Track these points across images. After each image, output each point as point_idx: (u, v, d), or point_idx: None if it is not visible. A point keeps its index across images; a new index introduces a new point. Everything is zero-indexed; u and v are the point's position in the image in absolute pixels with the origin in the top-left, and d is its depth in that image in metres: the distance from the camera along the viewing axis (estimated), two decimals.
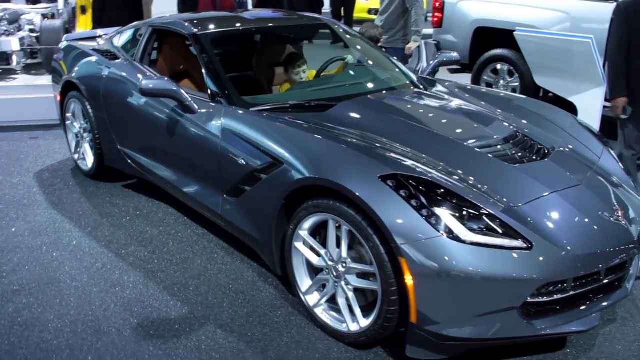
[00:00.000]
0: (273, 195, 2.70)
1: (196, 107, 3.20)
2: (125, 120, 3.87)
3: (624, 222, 2.52)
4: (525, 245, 2.23)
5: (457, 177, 2.46)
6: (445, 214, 2.22)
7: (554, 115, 3.39)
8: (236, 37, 4.31)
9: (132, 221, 3.78)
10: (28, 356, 2.49)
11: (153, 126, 3.58)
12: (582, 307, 2.40)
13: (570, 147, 3.00)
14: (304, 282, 2.70)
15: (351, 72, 3.89)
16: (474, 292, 2.19)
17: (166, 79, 3.25)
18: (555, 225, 2.36)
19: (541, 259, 2.23)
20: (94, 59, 4.25)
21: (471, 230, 2.21)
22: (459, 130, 2.95)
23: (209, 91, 3.26)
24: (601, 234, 2.43)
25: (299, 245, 2.65)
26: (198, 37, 3.49)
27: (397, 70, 3.94)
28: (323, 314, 2.63)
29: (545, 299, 2.28)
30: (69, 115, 4.51)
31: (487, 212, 2.28)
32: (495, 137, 2.89)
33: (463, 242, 2.17)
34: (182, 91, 3.19)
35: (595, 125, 3.84)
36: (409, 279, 2.20)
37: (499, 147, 2.80)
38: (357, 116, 3.00)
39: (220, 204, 3.14)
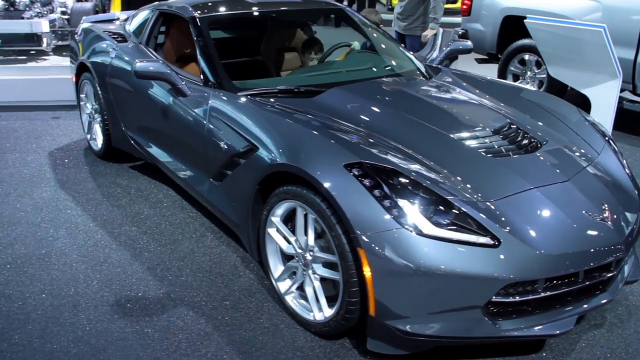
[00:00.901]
0: (249, 180, 2.69)
1: (188, 91, 3.22)
2: (128, 102, 3.93)
3: (609, 223, 2.38)
4: (492, 242, 2.14)
5: (430, 169, 2.39)
6: (408, 206, 2.16)
7: (558, 109, 3.25)
8: (242, 21, 4.30)
9: (132, 201, 3.85)
10: (5, 327, 2.58)
11: (150, 108, 3.63)
12: (556, 310, 2.29)
13: (567, 141, 2.86)
14: (277, 268, 2.69)
15: (352, 59, 3.83)
16: (435, 287, 2.12)
17: (160, 61, 3.27)
18: (529, 222, 2.26)
19: (508, 257, 2.13)
20: (105, 41, 4.33)
21: (436, 223, 2.14)
22: (446, 121, 2.86)
23: (201, 75, 3.27)
24: (581, 234, 2.31)
25: (271, 231, 2.63)
26: (195, 20, 3.50)
27: (402, 57, 3.86)
28: (293, 301, 2.61)
29: (513, 299, 2.19)
30: (82, 96, 4.63)
31: (454, 206, 2.20)
32: (485, 128, 2.79)
33: (425, 235, 2.10)
34: (174, 74, 3.21)
35: (610, 120, 3.65)
36: (367, 271, 2.15)
37: (486, 139, 2.70)
38: (343, 103, 2.95)
39: (207, 188, 3.16)
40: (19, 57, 7.02)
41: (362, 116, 2.79)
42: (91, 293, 2.83)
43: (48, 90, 5.90)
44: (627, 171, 2.89)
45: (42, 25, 6.53)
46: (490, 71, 6.65)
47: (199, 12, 3.58)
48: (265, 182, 2.62)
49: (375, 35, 4.13)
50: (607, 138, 3.07)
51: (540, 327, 2.24)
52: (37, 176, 4.24)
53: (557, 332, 2.26)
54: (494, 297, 2.15)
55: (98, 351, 2.43)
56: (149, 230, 3.47)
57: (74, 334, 2.53)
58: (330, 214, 2.25)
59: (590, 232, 2.33)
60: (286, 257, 2.66)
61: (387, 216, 2.13)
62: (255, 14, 3.89)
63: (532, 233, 2.22)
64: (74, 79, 4.75)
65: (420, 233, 2.10)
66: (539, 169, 2.56)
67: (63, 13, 7.24)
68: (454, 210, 2.18)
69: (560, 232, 2.28)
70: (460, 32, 7.00)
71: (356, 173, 2.24)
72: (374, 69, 3.64)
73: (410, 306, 2.17)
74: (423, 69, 3.75)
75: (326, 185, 2.24)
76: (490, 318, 2.19)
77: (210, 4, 3.80)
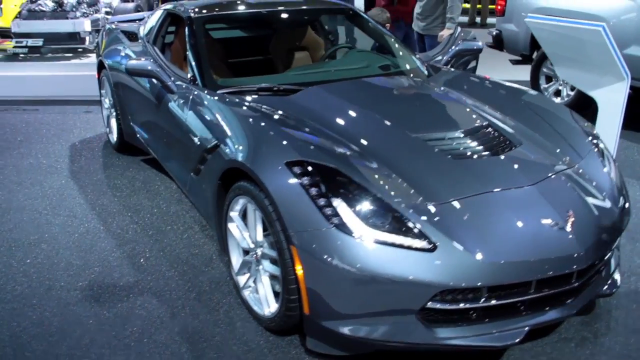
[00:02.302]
0: (212, 176, 2.74)
1: (175, 88, 3.32)
2: (132, 98, 4.09)
3: (571, 232, 2.24)
4: (427, 247, 2.07)
5: (377, 169, 2.34)
6: (342, 206, 2.13)
7: (548, 111, 3.09)
8: (247, 22, 4.36)
9: (133, 193, 4.01)
10: None
11: (147, 105, 3.76)
12: (504, 321, 2.19)
13: (548, 145, 2.73)
14: (237, 263, 2.72)
15: (349, 58, 3.82)
16: (366, 289, 2.08)
17: (151, 60, 3.39)
18: (474, 227, 2.16)
19: (444, 262, 2.05)
20: (119, 40, 4.53)
21: (370, 225, 2.09)
22: (417, 121, 2.79)
23: (189, 72, 3.36)
24: (533, 241, 2.18)
25: (231, 226, 2.67)
26: (190, 20, 3.59)
27: (401, 56, 3.80)
28: (249, 295, 2.64)
29: (451, 306, 2.11)
30: (102, 92, 4.85)
31: (391, 208, 2.14)
32: (456, 130, 2.71)
33: (357, 237, 2.06)
34: (162, 72, 3.32)
35: (617, 123, 3.44)
36: (299, 269, 2.15)
37: (454, 141, 2.62)
38: (314, 102, 2.94)
39: (188, 182, 3.24)
40: (66, 55, 7.44)
41: (329, 115, 2.78)
42: (67, 277, 2.98)
43: (83, 85, 6.22)
44: (613, 179, 2.72)
45: (85, 25, 6.89)
46: (524, 73, 6.42)
47: (196, 12, 3.68)
48: (227, 178, 2.67)
49: (378, 34, 4.09)
50: (596, 143, 2.90)
51: (483, 337, 2.14)
52: (53, 166, 4.49)
53: (500, 344, 2.15)
54: (429, 303, 2.08)
55: (57, 331, 2.55)
56: (141, 221, 3.59)
57: (41, 315, 2.67)
58: (272, 211, 2.26)
59: (545, 241, 2.20)
60: (245, 252, 2.69)
61: (320, 215, 2.11)
62: (259, 14, 3.94)
63: (475, 238, 2.12)
64: (97, 76, 4.99)
65: (350, 233, 2.07)
66: (502, 173, 2.45)
67: (107, 13, 7.60)
68: (390, 212, 2.13)
69: (509, 238, 2.17)
70: (494, 33, 6.83)
71: (297, 171, 2.23)
72: (366, 68, 3.61)
73: (342, 307, 2.13)
74: (423, 69, 3.68)
75: (266, 182, 2.25)
76: (426, 324, 2.11)
77: (211, 5, 3.89)
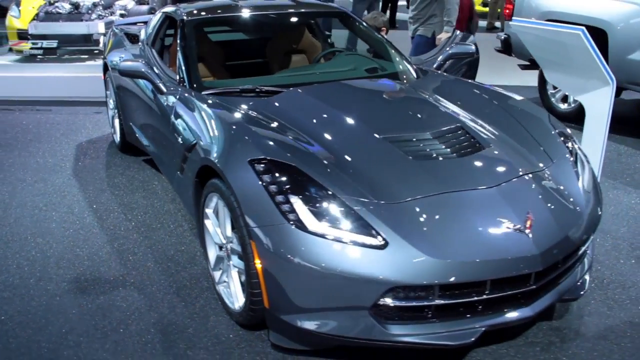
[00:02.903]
0: (191, 174, 2.86)
1: (164, 88, 3.44)
2: (131, 99, 4.24)
3: (529, 234, 2.27)
4: (379, 244, 2.14)
5: (336, 168, 2.41)
6: (299, 203, 2.21)
7: (526, 115, 3.12)
8: (241, 25, 4.45)
9: (131, 191, 4.15)
10: None
11: (142, 106, 3.90)
12: (460, 321, 2.23)
13: (518, 147, 2.76)
14: (213, 258, 2.82)
15: (336, 61, 3.90)
16: (321, 285, 2.16)
17: (143, 61, 3.52)
18: (428, 226, 2.22)
19: (395, 260, 2.12)
20: (122, 42, 4.69)
21: (326, 222, 2.18)
22: (388, 123, 2.85)
23: (177, 74, 3.49)
24: (488, 242, 2.23)
25: (207, 222, 2.78)
26: (182, 22, 3.72)
27: (391, 59, 3.86)
28: (223, 290, 2.74)
29: (403, 303, 2.17)
30: (108, 92, 5.02)
31: (346, 205, 2.22)
32: (425, 132, 2.76)
33: (309, 232, 2.15)
34: (153, 73, 3.45)
35: (603, 128, 3.45)
36: (257, 263, 2.24)
37: (420, 142, 2.67)
38: (291, 103, 3.03)
39: (175, 181, 3.36)
40: (81, 57, 7.68)
41: (302, 115, 2.87)
42: (57, 270, 3.12)
43: (94, 87, 6.40)
44: (584, 183, 2.73)
45: (98, 27, 7.10)
46: (532, 78, 6.39)
47: (188, 15, 3.80)
48: (203, 176, 2.77)
49: (370, 38, 4.16)
50: (570, 147, 2.92)
51: (437, 336, 2.19)
52: (58, 164, 4.67)
53: (454, 343, 2.20)
54: (382, 300, 2.15)
55: (41, 320, 2.69)
56: (134, 219, 3.73)
57: (28, 305, 2.81)
58: (237, 207, 2.36)
59: (500, 242, 2.24)
60: (219, 248, 2.79)
61: (277, 211, 2.20)
62: (252, 18, 4.05)
63: (428, 237, 2.18)
64: (102, 77, 5.16)
65: (305, 229, 2.15)
66: (465, 174, 2.50)
67: (122, 16, 7.81)
68: (345, 210, 2.21)
69: (463, 238, 2.23)
70: (502, 38, 6.81)
71: (259, 169, 2.33)
72: (353, 71, 3.68)
73: (298, 301, 2.21)
74: (412, 72, 3.73)
75: (231, 179, 2.36)
76: (379, 321, 2.18)
77: (206, 8, 4.01)
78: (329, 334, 2.21)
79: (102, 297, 2.88)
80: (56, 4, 7.51)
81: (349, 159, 2.49)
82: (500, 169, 2.58)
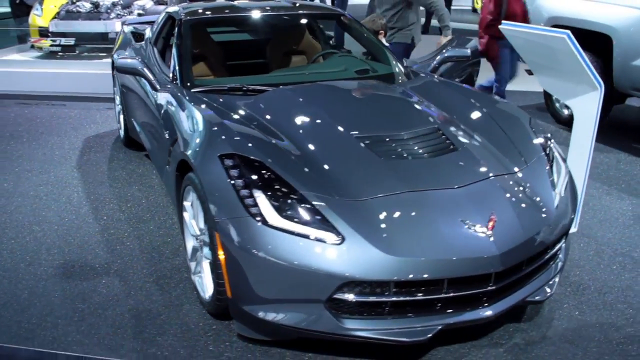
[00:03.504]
0: (172, 168, 2.96)
1: (157, 85, 3.56)
2: (131, 95, 4.38)
3: (490, 235, 2.30)
4: (335, 239, 2.21)
5: (302, 164, 2.49)
6: (261, 197, 2.29)
7: (506, 118, 3.14)
8: (240, 25, 4.56)
9: (129, 184, 4.29)
10: None
11: (140, 102, 4.04)
12: (416, 318, 2.28)
13: (493, 149, 2.79)
14: (190, 249, 2.91)
15: (329, 62, 3.97)
16: (279, 277, 2.24)
17: (138, 59, 3.64)
18: (387, 224, 2.28)
19: (350, 255, 2.18)
20: (128, 40, 4.84)
21: (285, 216, 2.25)
22: (364, 124, 2.90)
23: (171, 71, 3.60)
24: (448, 241, 2.27)
25: (185, 214, 2.88)
26: (180, 22, 3.84)
27: (384, 61, 3.91)
28: (197, 280, 2.83)
29: (358, 298, 2.23)
30: (115, 89, 5.19)
31: (306, 200, 2.30)
32: (402, 131, 2.81)
33: (269, 225, 2.23)
34: (147, 70, 3.57)
35: (590, 133, 3.43)
36: (221, 254, 2.32)
37: (393, 142, 2.73)
38: (273, 101, 3.12)
39: (164, 174, 3.47)
40: (99, 54, 7.90)
41: (281, 113, 2.95)
42: (48, 256, 3.26)
43: (107, 83, 6.60)
44: (558, 187, 2.75)
45: (115, 26, 7.31)
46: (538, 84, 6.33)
47: (187, 15, 3.91)
48: (183, 170, 2.87)
49: (366, 40, 4.22)
50: (548, 151, 2.93)
51: (391, 332, 2.24)
52: (64, 157, 4.85)
53: (408, 340, 2.24)
54: (337, 294, 2.21)
55: (24, 301, 2.83)
56: (127, 210, 3.86)
57: (15, 287, 2.96)
58: (205, 200, 2.45)
59: (460, 241, 2.28)
60: (196, 239, 2.89)
61: (240, 205, 2.29)
62: (254, 19, 4.14)
63: (385, 234, 2.24)
64: (112, 74, 5.33)
65: (265, 223, 2.23)
66: (433, 174, 2.55)
67: (140, 15, 8.01)
68: (305, 205, 2.28)
69: (422, 236, 2.27)
70: None
71: (228, 164, 2.42)
72: (343, 72, 3.75)
73: (258, 292, 2.29)
74: (402, 74, 3.78)
75: (201, 172, 2.45)
76: (334, 314, 2.24)
77: (206, 8, 4.12)
78: (286, 325, 2.28)
79: (85, 282, 3.00)
80: (77, 3, 7.76)
81: (319, 156, 2.56)
82: (470, 170, 2.61)
